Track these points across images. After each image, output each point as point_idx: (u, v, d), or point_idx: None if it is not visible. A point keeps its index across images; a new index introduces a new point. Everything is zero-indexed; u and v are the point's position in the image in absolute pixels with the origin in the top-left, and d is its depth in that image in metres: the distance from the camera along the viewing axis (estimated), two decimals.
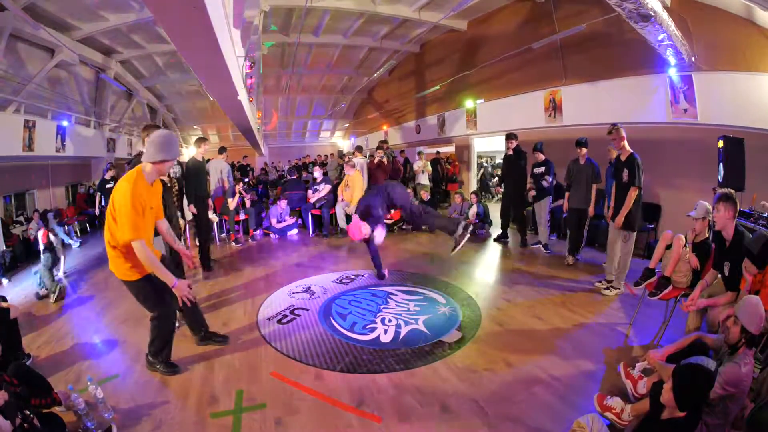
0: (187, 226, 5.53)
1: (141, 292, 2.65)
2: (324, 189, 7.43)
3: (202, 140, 5.44)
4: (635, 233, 4.14)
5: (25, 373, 2.29)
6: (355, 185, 7.21)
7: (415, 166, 9.27)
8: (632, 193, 3.96)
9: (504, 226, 6.55)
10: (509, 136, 6.17)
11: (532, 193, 5.93)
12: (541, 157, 5.82)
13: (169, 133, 2.56)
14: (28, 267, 5.93)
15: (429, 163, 9.47)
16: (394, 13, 9.41)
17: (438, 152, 12.25)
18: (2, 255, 5.88)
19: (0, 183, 7.64)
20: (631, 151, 4.01)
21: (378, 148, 7.85)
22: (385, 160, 7.74)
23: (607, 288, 4.25)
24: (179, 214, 4.86)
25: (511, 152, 6.16)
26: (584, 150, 5.16)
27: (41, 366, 2.88)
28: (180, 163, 5.05)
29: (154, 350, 2.83)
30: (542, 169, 5.80)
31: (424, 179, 9.00)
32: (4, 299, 3.05)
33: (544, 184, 5.79)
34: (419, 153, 9.42)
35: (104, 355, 3.14)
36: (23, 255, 6.39)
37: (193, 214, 5.23)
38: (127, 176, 2.47)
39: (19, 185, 8.43)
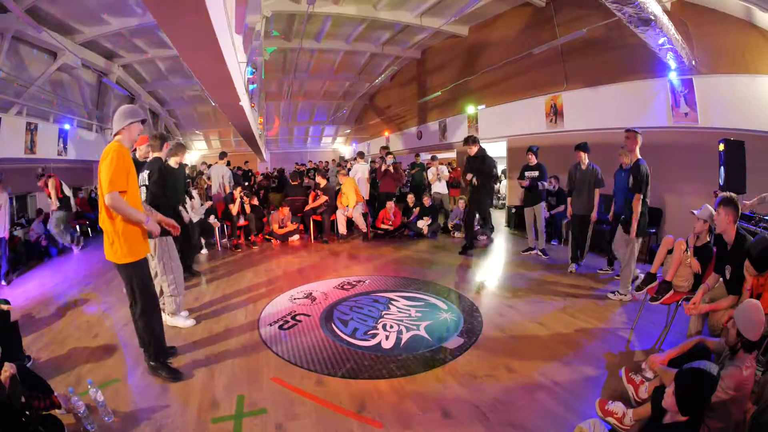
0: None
1: (136, 275, 2.67)
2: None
3: (180, 146, 5.00)
4: (638, 240, 4.09)
5: (25, 375, 2.28)
6: (348, 191, 7.21)
7: (430, 174, 8.54)
8: (635, 201, 3.89)
9: (469, 237, 6.22)
10: (468, 140, 5.92)
11: (524, 183, 5.83)
12: (534, 160, 5.77)
13: (127, 105, 2.89)
14: (30, 269, 5.96)
15: (444, 168, 8.56)
16: (395, 18, 9.46)
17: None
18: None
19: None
20: (639, 157, 3.94)
21: (388, 153, 7.84)
22: (392, 167, 7.75)
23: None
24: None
25: (472, 155, 5.92)
26: (584, 154, 5.02)
27: (42, 368, 2.88)
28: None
29: (153, 353, 2.81)
30: (535, 173, 5.74)
31: (441, 187, 8.29)
32: (6, 302, 3.05)
33: (539, 187, 5.75)
34: (433, 158, 8.48)
35: (105, 358, 3.13)
36: (25, 257, 6.40)
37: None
38: (109, 145, 2.57)
39: (21, 188, 8.45)
